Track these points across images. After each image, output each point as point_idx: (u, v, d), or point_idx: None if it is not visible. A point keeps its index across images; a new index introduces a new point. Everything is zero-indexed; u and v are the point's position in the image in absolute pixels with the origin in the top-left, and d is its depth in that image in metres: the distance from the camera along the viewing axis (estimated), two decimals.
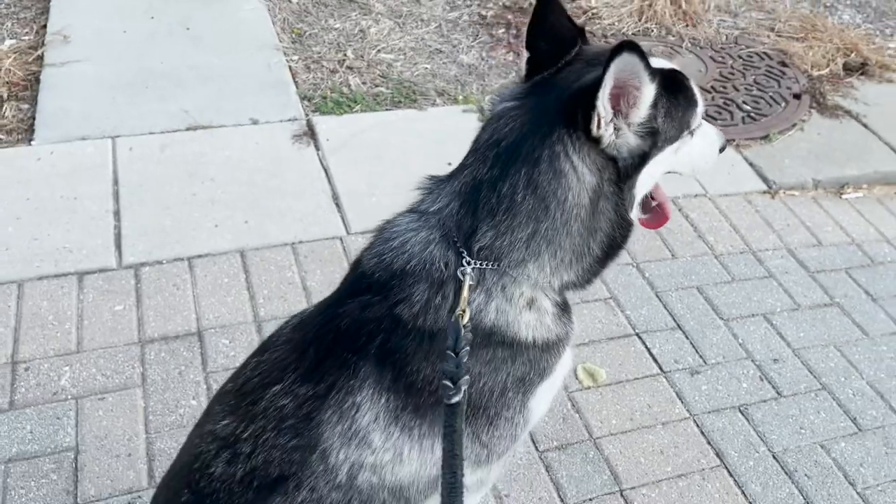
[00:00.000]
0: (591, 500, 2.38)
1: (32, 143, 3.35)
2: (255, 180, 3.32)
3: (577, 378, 2.74)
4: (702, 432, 2.62)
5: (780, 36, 4.86)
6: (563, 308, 1.56)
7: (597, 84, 1.31)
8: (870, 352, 3.01)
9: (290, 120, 3.69)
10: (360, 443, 1.42)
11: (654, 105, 1.41)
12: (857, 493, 2.51)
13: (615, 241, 1.51)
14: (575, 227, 1.43)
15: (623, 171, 1.44)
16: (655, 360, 2.84)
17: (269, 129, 3.62)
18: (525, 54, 1.56)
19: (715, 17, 4.97)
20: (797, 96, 4.33)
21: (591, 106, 1.33)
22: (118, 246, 2.95)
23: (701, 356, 2.88)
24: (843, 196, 3.85)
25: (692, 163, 1.66)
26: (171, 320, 2.72)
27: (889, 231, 3.66)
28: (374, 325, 1.42)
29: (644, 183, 1.51)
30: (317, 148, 3.55)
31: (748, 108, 4.21)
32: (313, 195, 3.30)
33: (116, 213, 3.08)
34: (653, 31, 4.77)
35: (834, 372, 2.91)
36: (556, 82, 1.47)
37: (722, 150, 1.74)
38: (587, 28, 4.69)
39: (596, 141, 1.38)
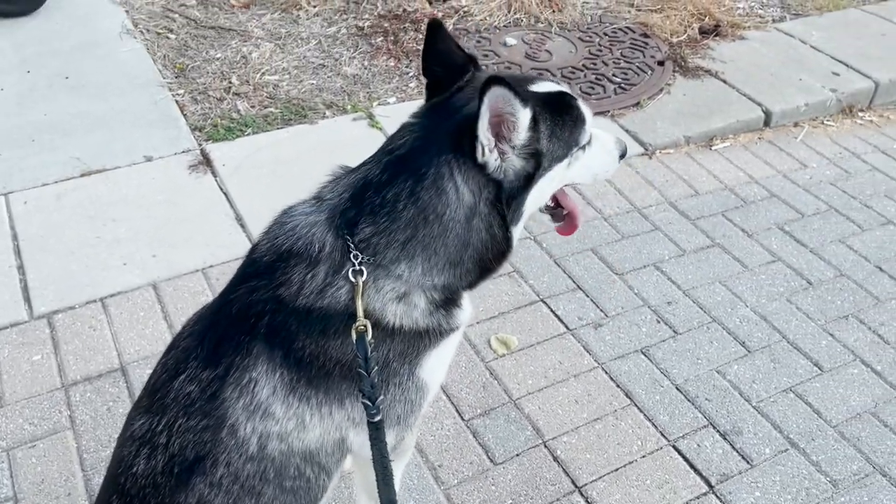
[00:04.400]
0: (517, 455, 2.56)
1: None
2: (157, 214, 3.38)
3: (491, 348, 2.92)
4: (610, 378, 2.85)
5: (639, 10, 5.22)
6: (444, 304, 1.63)
7: (476, 115, 1.44)
8: (751, 282, 3.32)
9: (183, 152, 3.75)
10: (264, 414, 1.53)
11: (535, 128, 1.51)
12: (753, 407, 2.78)
13: (487, 254, 1.60)
14: (450, 238, 1.55)
15: (509, 192, 1.55)
16: (561, 321, 3.05)
17: (163, 163, 3.68)
18: (423, 80, 1.69)
19: (578, 0, 5.27)
20: (661, 63, 4.67)
21: (475, 135, 1.47)
22: (27, 298, 2.96)
23: (602, 310, 3.12)
24: (713, 147, 4.18)
25: (590, 173, 1.79)
26: (91, 361, 2.76)
27: (756, 172, 4.02)
28: (261, 306, 1.54)
29: (536, 200, 1.64)
30: (214, 174, 3.63)
31: (618, 80, 4.51)
32: (216, 220, 3.38)
33: (20, 267, 3.09)
34: (522, 20, 5.04)
35: (721, 305, 3.19)
36: (449, 106, 1.60)
37: (622, 156, 1.84)
38: (459, 25, 4.92)
39: (482, 166, 1.51)
